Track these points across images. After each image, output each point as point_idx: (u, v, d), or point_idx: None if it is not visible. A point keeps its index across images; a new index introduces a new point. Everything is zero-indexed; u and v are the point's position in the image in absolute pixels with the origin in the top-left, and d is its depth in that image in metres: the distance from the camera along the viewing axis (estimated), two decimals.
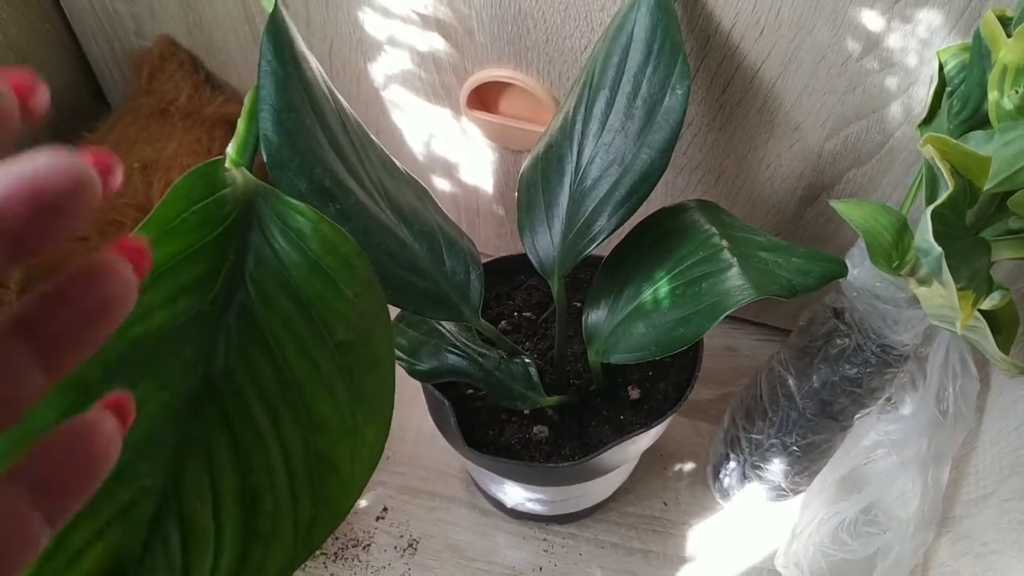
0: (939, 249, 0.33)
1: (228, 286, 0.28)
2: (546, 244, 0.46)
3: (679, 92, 0.44)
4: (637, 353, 0.44)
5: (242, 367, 0.28)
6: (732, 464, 0.62)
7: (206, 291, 0.28)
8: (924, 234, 0.34)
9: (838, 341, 0.52)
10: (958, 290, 0.34)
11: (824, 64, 0.50)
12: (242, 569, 0.27)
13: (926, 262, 0.34)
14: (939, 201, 0.34)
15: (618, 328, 0.46)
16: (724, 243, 0.45)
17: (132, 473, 0.26)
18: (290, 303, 0.28)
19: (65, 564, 0.24)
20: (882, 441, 0.54)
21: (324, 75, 0.38)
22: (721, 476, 0.64)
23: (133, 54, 0.68)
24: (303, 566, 0.61)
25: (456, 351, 0.49)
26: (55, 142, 0.69)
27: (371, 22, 0.58)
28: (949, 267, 0.33)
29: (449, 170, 0.69)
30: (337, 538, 0.63)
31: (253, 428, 0.28)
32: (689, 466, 0.68)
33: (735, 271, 0.43)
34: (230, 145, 0.33)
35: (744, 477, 0.61)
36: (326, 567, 0.61)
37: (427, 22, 0.57)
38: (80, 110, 0.74)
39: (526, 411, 0.53)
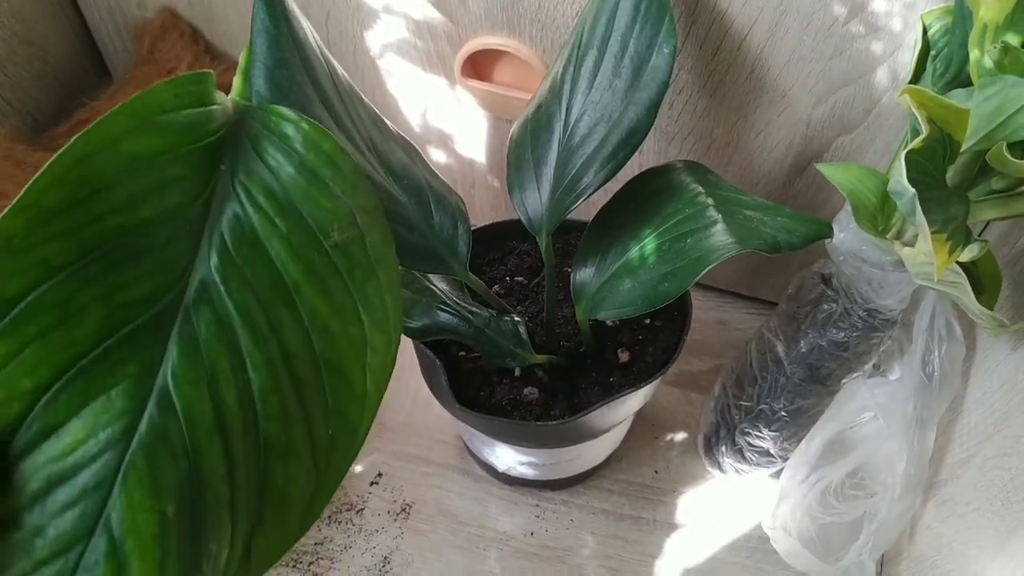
0: (912, 190, 0.34)
1: (219, 193, 0.29)
2: (535, 201, 0.47)
3: (665, 51, 0.44)
4: (623, 309, 0.45)
5: (233, 268, 0.28)
6: (722, 432, 0.63)
7: (196, 190, 0.28)
8: (898, 177, 0.34)
9: (825, 306, 0.53)
10: (932, 233, 0.35)
11: (810, 29, 0.51)
12: (266, 486, 0.27)
13: (900, 205, 0.35)
14: (913, 145, 0.34)
15: (605, 285, 0.47)
16: (710, 201, 0.46)
17: (114, 358, 0.26)
18: (280, 206, 0.29)
19: (39, 434, 0.24)
20: (868, 405, 0.55)
21: (316, 36, 0.39)
22: (711, 444, 0.65)
23: (135, 25, 0.70)
24: None
25: (447, 309, 0.50)
26: (58, 111, 0.70)
27: None
28: (923, 209, 0.34)
29: (444, 141, 0.70)
30: (332, 502, 0.64)
31: (249, 326, 0.28)
32: (680, 435, 0.69)
33: (720, 227, 0.43)
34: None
35: (734, 445, 0.62)
36: (320, 530, 0.62)
37: None
38: (82, 80, 0.75)
39: (517, 372, 0.54)
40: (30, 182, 0.24)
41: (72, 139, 0.25)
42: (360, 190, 0.30)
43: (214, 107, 0.29)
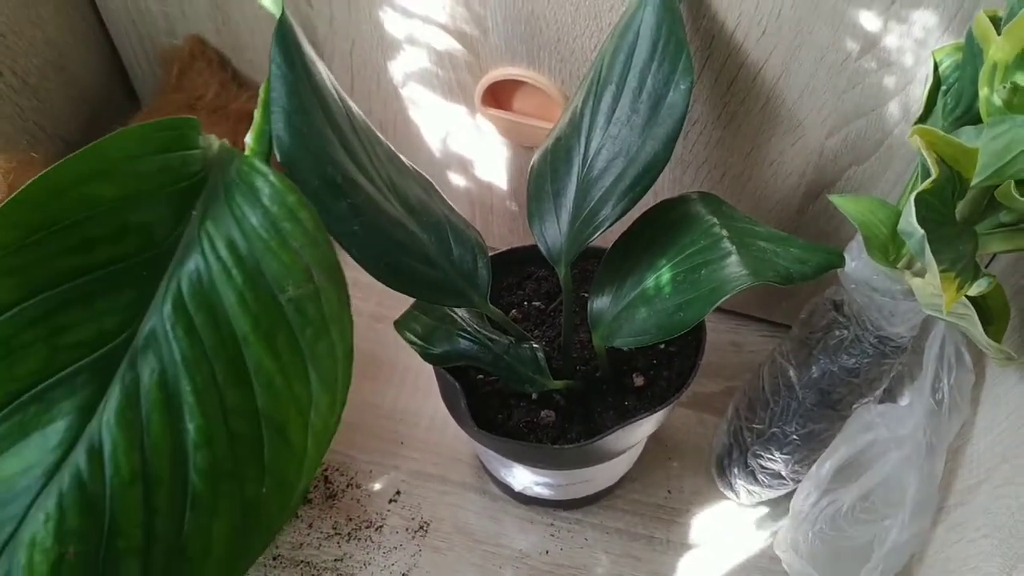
0: (921, 231, 0.35)
1: (185, 239, 0.29)
2: (554, 232, 0.49)
3: (682, 87, 0.46)
4: (639, 337, 0.46)
5: (184, 317, 0.28)
6: (735, 454, 0.64)
7: (162, 234, 0.28)
8: (907, 217, 0.35)
9: (837, 333, 0.54)
10: (941, 272, 0.36)
11: (824, 63, 0.52)
12: (190, 539, 0.27)
13: (910, 244, 0.36)
14: (922, 187, 0.36)
15: (622, 313, 0.48)
16: (724, 232, 0.47)
17: (51, 398, 0.26)
18: (239, 257, 0.29)
19: None
20: (879, 430, 0.56)
21: (332, 77, 0.40)
22: (724, 466, 0.66)
23: (164, 52, 0.71)
24: (317, 544, 0.63)
25: (467, 336, 0.51)
26: (87, 136, 0.72)
27: (391, 21, 0.61)
28: (932, 250, 0.35)
29: (464, 167, 0.72)
30: (351, 519, 0.65)
31: (192, 378, 0.28)
32: (693, 457, 0.70)
33: (734, 259, 0.44)
34: (248, 134, 0.35)
35: (746, 467, 0.63)
36: (339, 546, 0.63)
37: (444, 22, 0.59)
38: (111, 105, 0.77)
39: (534, 396, 0.55)
40: None
41: (28, 182, 0.26)
42: (320, 246, 0.30)
43: (194, 151, 0.30)
